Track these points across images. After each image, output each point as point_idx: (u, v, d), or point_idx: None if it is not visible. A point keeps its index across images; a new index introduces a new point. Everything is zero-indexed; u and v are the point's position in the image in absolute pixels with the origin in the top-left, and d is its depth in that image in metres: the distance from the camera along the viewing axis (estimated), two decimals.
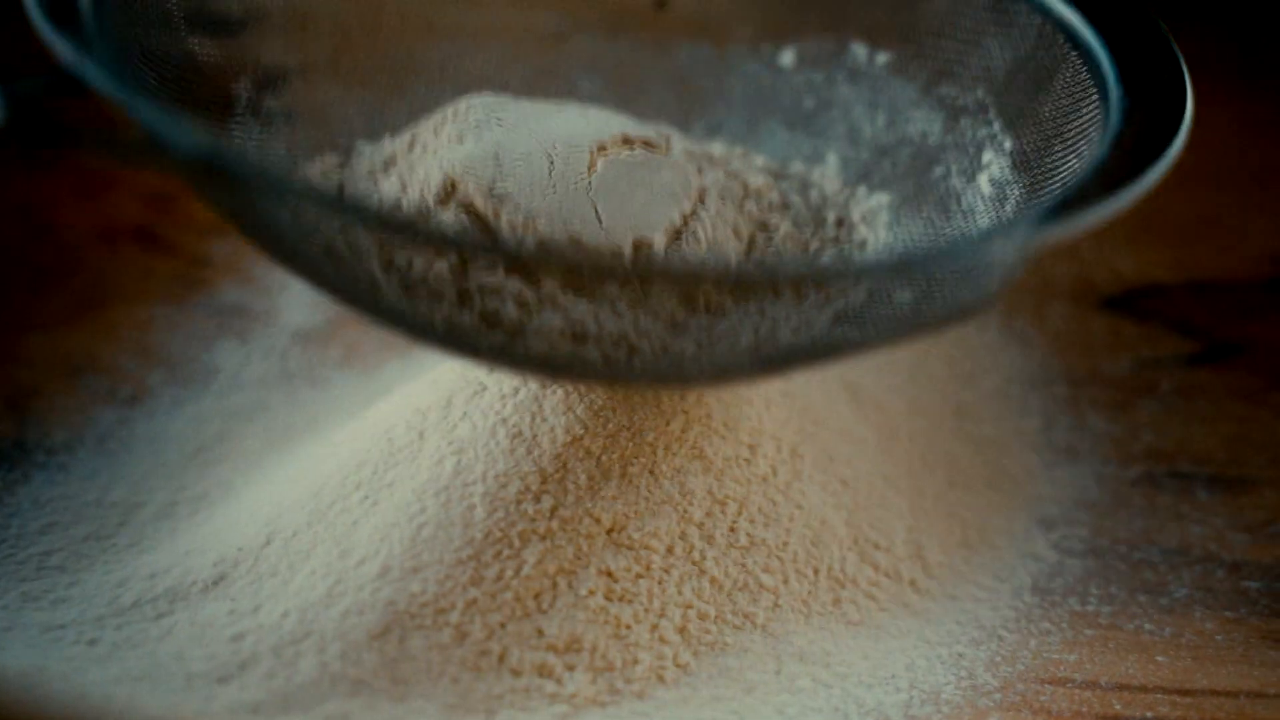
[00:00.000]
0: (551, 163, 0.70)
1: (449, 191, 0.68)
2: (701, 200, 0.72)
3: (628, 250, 0.69)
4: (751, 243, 0.74)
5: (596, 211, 0.69)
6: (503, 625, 0.66)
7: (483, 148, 0.70)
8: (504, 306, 0.66)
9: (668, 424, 0.70)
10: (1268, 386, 0.83)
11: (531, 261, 0.66)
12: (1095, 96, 0.72)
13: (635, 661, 0.66)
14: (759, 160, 0.79)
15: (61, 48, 0.61)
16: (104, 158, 0.59)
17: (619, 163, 0.71)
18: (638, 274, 0.67)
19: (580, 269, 0.66)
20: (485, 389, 0.71)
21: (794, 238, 0.75)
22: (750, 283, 0.69)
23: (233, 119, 0.74)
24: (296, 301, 0.84)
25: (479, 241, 0.66)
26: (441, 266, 0.66)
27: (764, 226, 0.75)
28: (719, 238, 0.72)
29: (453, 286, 0.67)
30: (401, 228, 0.63)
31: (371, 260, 0.66)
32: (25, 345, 0.81)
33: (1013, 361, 0.85)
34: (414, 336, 0.66)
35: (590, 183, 0.69)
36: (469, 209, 0.68)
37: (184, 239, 0.87)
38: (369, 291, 0.66)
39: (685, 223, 0.71)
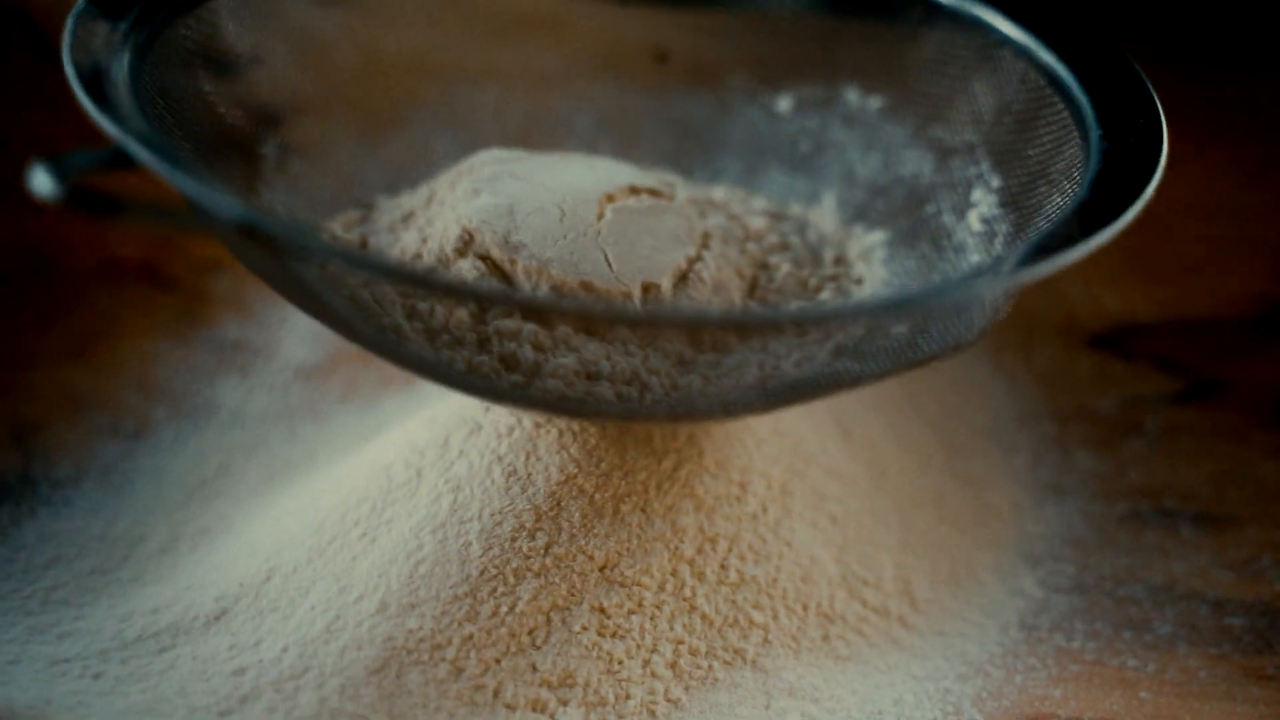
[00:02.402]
0: (563, 212, 0.71)
1: (466, 242, 0.70)
2: (705, 244, 0.73)
3: (637, 294, 0.70)
4: (754, 283, 0.75)
5: (606, 258, 0.70)
6: (498, 660, 0.67)
7: (497, 200, 0.71)
8: (522, 350, 0.68)
9: (659, 463, 0.71)
10: (1252, 424, 0.83)
11: (545, 309, 0.68)
12: (1076, 137, 0.73)
13: (628, 696, 0.67)
14: (759, 203, 0.81)
15: (107, 126, 0.63)
16: (150, 225, 0.61)
17: (626, 210, 0.72)
18: (646, 319, 0.69)
19: (592, 314, 0.68)
20: (481, 428, 0.72)
21: (794, 276, 0.76)
22: (753, 325, 0.70)
23: (260, 180, 0.75)
24: (297, 337, 0.85)
25: (496, 291, 0.68)
26: (461, 314, 0.68)
27: (765, 266, 0.76)
28: (723, 279, 0.73)
29: (472, 333, 0.68)
30: (423, 281, 0.65)
31: (396, 310, 0.68)
32: (29, 379, 0.82)
33: (1001, 399, 0.85)
34: (437, 379, 0.68)
35: (600, 230, 0.71)
36: (485, 258, 0.70)
37: (186, 275, 0.87)
38: (394, 339, 0.67)
39: (690, 265, 0.72)
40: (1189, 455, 0.83)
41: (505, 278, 0.69)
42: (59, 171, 0.60)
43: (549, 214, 0.71)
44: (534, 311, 0.68)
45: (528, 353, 0.68)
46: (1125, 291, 0.87)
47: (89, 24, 0.69)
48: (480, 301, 0.67)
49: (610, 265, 0.70)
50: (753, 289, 0.75)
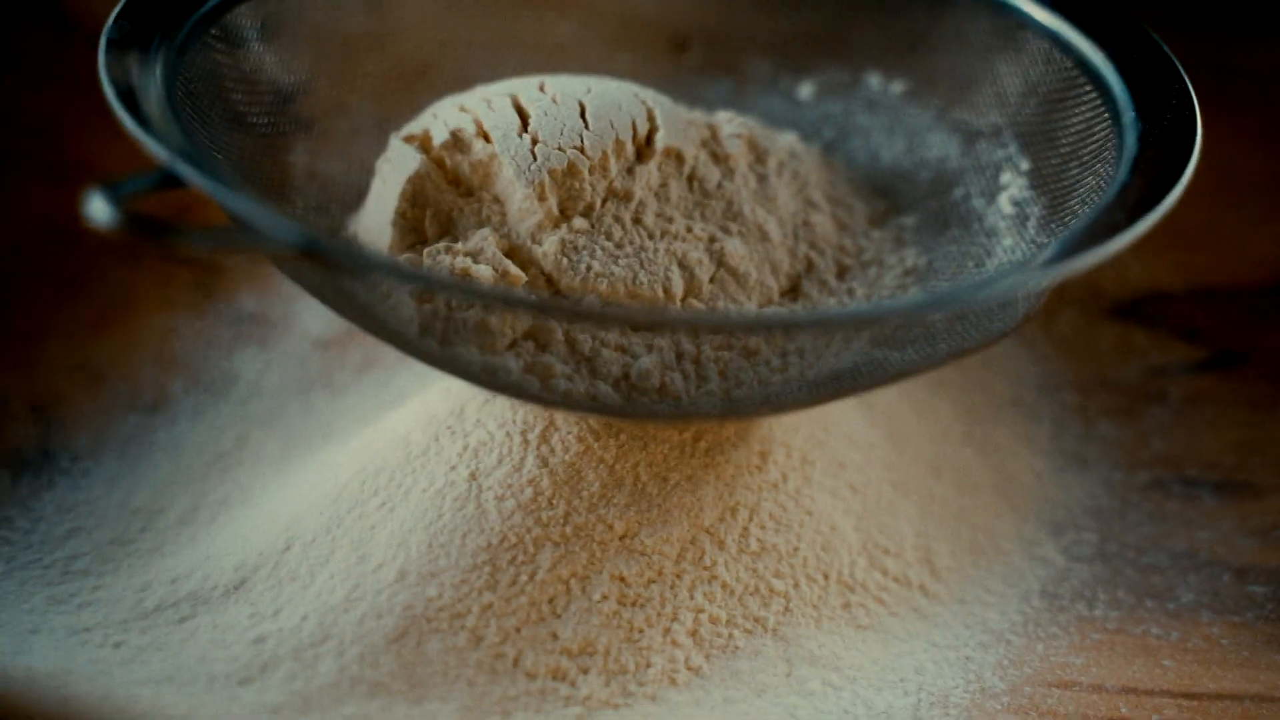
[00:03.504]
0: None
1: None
2: (741, 236, 0.74)
3: (679, 296, 0.71)
4: (794, 280, 0.75)
5: (645, 256, 0.71)
6: (517, 629, 0.67)
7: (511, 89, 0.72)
8: (576, 348, 0.69)
9: (680, 433, 0.71)
10: (1275, 393, 0.83)
11: (597, 317, 0.67)
12: (1107, 118, 0.73)
13: (648, 665, 0.67)
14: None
15: (155, 150, 0.64)
16: (202, 249, 0.61)
17: (666, 198, 0.73)
18: (691, 324, 0.69)
19: (636, 320, 0.68)
20: (495, 397, 0.72)
21: (829, 269, 0.76)
22: (796, 327, 0.70)
23: (291, 187, 0.75)
24: (315, 309, 0.85)
25: (546, 302, 0.68)
26: (511, 320, 0.68)
27: (807, 262, 0.76)
28: (761, 278, 0.73)
29: (528, 339, 0.69)
30: (476, 293, 0.66)
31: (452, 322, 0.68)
32: (49, 353, 0.82)
33: (1023, 369, 0.85)
34: (490, 388, 0.68)
35: (643, 225, 0.71)
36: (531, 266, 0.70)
37: None
38: (444, 351, 0.68)
39: (726, 263, 0.72)
40: (1211, 424, 0.83)
41: (553, 286, 0.70)
42: (114, 199, 0.60)
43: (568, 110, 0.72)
44: (580, 318, 0.68)
45: (584, 348, 0.68)
46: (1147, 260, 0.87)
47: (120, 42, 0.69)
48: (527, 308, 0.67)
49: (653, 263, 0.71)
50: (794, 287, 0.75)
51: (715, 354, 0.70)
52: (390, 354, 0.82)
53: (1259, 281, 0.86)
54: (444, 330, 0.67)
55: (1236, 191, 0.86)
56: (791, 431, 0.73)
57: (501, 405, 0.71)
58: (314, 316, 0.85)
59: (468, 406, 0.72)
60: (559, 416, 0.71)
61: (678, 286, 0.71)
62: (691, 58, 0.84)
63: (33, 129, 0.82)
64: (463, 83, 0.75)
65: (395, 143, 0.73)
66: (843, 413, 0.77)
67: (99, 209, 0.60)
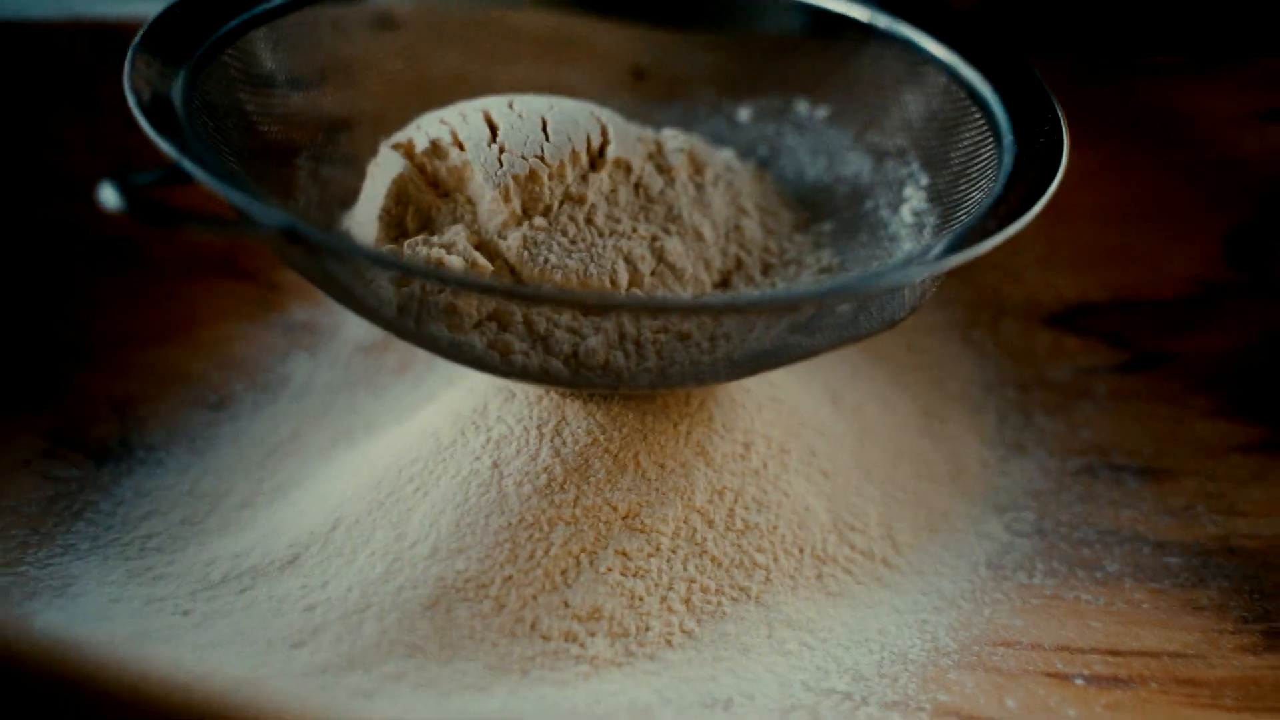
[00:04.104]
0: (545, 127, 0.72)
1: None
2: (679, 234, 0.74)
3: (624, 286, 0.71)
4: (725, 275, 0.75)
5: (595, 251, 0.71)
6: (534, 597, 0.67)
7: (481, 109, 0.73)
8: (533, 328, 0.69)
9: (675, 426, 0.71)
10: (1188, 390, 0.83)
11: (551, 301, 0.68)
12: (992, 142, 0.74)
13: (647, 628, 0.67)
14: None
15: (165, 147, 0.64)
16: (205, 233, 0.60)
17: (616, 201, 0.73)
18: (632, 307, 0.70)
19: (586, 303, 0.68)
20: (515, 395, 0.72)
21: (756, 266, 0.76)
22: (724, 310, 0.71)
23: (296, 187, 0.76)
24: (357, 319, 0.82)
25: (509, 287, 0.68)
26: (476, 302, 0.69)
27: (736, 260, 0.76)
28: (696, 273, 0.74)
29: (490, 320, 0.69)
30: (444, 278, 0.66)
31: (424, 303, 0.68)
32: (128, 359, 0.82)
33: (971, 369, 0.85)
34: (452, 359, 0.68)
35: (595, 225, 0.72)
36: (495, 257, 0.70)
37: (260, 267, 0.88)
38: (414, 325, 0.68)
39: (666, 258, 0.73)
40: (1133, 417, 0.82)
41: (515, 275, 0.70)
42: (122, 187, 0.60)
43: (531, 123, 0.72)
44: (536, 302, 0.69)
45: (525, 338, 0.69)
46: (1078, 277, 0.86)
47: (145, 56, 0.69)
48: (493, 293, 0.68)
49: (600, 261, 0.71)
50: (724, 278, 0.75)
51: (654, 336, 0.70)
52: (422, 357, 0.82)
53: (1175, 294, 0.85)
54: (419, 311, 0.68)
55: (1156, 218, 0.85)
56: (771, 424, 0.74)
57: (520, 403, 0.71)
58: (356, 325, 0.85)
59: (490, 404, 0.72)
60: (570, 412, 0.71)
61: (623, 278, 0.71)
62: (648, 86, 0.84)
63: (109, 160, 0.81)
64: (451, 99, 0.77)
65: (384, 149, 0.73)
66: (814, 408, 0.77)
67: (109, 196, 0.60)
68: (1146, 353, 0.84)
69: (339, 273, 0.67)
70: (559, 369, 0.68)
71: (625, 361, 0.69)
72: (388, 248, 0.71)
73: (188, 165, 0.63)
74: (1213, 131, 0.84)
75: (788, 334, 0.70)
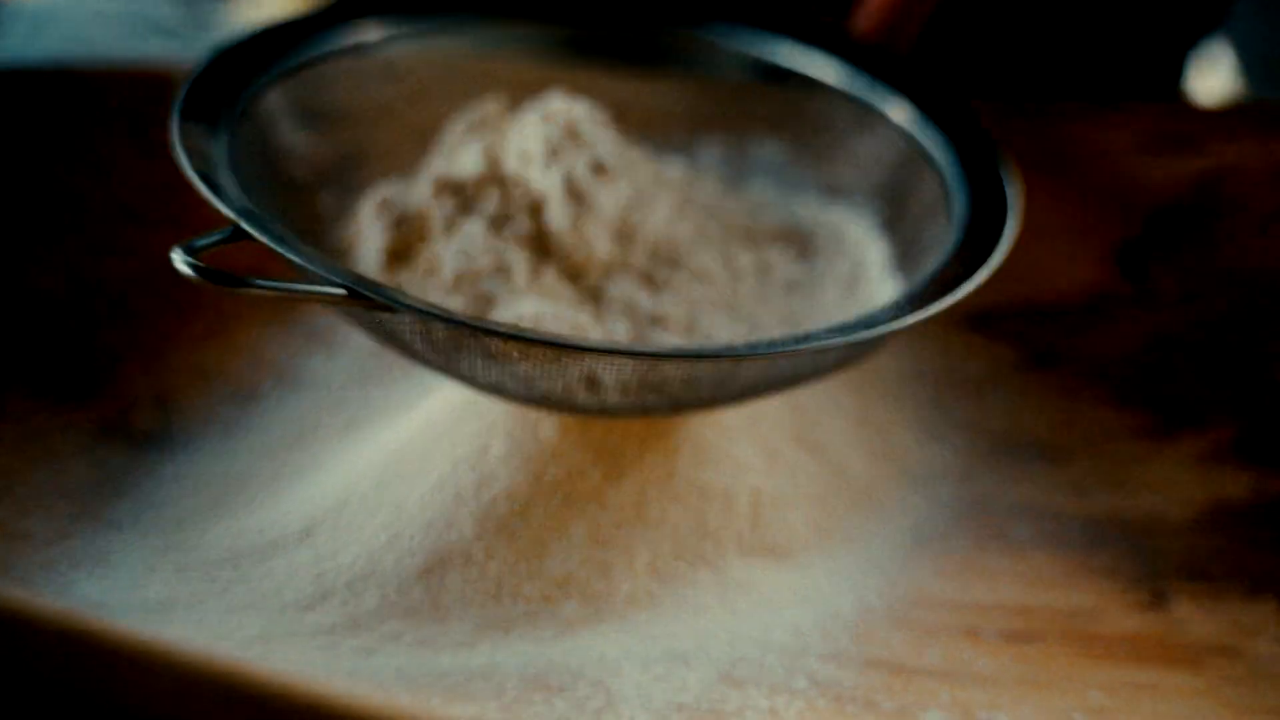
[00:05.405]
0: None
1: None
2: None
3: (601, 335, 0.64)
4: (691, 315, 0.68)
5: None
6: (515, 565, 0.62)
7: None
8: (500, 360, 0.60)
9: (638, 420, 0.66)
10: (1083, 385, 0.78)
11: (525, 341, 0.58)
12: (940, 184, 0.67)
13: (615, 593, 0.63)
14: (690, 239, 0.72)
15: (228, 212, 0.59)
16: (268, 294, 0.57)
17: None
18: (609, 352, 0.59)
19: (560, 347, 0.58)
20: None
21: (721, 306, 0.69)
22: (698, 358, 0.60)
23: (320, 223, 0.70)
24: None
25: (505, 330, 0.58)
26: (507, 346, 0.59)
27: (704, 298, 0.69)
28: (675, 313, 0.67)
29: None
30: (487, 330, 0.57)
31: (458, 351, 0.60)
32: (169, 358, 0.76)
33: (901, 364, 0.79)
34: (471, 387, 0.62)
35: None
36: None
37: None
38: (451, 367, 0.61)
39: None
40: (1036, 407, 0.77)
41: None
42: (190, 254, 0.57)
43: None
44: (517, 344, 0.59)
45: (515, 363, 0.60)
46: (988, 287, 0.80)
47: (189, 123, 0.63)
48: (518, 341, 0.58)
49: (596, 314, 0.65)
50: (690, 324, 0.68)
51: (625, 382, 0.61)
52: None
53: (1071, 302, 0.80)
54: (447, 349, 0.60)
55: (1056, 236, 0.80)
56: (722, 410, 0.68)
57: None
58: None
59: (480, 397, 0.66)
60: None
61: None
62: (626, 126, 0.76)
63: (152, 188, 0.77)
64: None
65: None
66: (765, 400, 0.70)
67: (180, 263, 0.56)
68: (1046, 352, 0.80)
69: (383, 320, 0.59)
70: (551, 392, 0.61)
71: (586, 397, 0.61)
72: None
73: (247, 226, 0.58)
74: (1106, 163, 0.82)
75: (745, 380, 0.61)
